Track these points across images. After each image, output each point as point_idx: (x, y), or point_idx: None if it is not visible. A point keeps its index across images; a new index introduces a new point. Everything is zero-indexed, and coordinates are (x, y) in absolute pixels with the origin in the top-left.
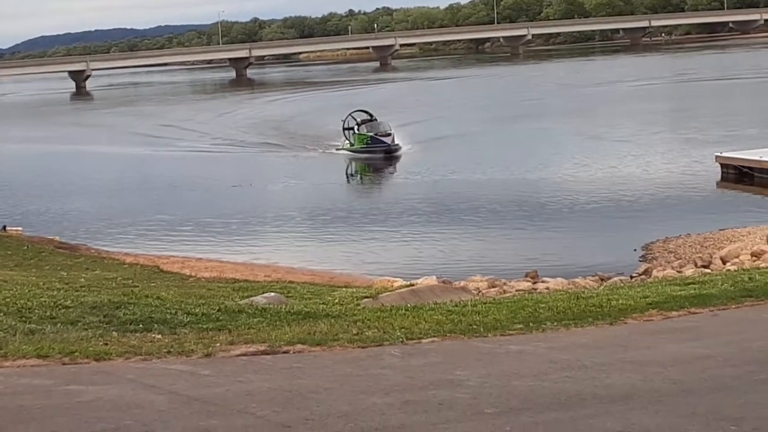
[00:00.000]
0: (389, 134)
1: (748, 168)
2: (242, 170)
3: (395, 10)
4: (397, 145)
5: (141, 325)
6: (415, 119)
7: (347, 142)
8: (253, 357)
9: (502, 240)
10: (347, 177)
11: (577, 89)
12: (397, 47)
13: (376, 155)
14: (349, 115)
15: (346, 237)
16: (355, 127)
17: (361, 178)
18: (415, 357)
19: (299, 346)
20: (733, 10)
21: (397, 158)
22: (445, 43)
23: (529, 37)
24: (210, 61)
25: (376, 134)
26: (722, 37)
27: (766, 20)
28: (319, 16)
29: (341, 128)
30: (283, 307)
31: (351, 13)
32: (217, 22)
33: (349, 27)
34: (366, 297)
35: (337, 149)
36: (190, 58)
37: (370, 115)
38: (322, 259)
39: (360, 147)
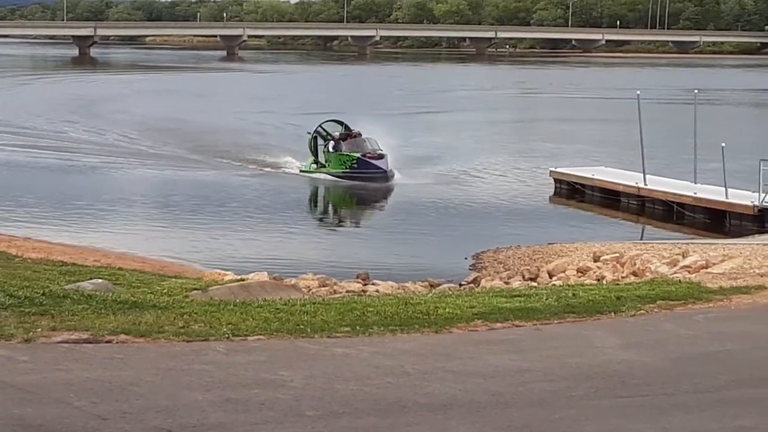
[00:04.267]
0: (383, 156)
1: (580, 185)
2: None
3: (245, 1)
4: (392, 171)
5: None
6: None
7: (313, 162)
8: (74, 345)
9: (336, 239)
10: (314, 209)
11: (422, 95)
12: (245, 38)
13: (367, 183)
14: (319, 126)
15: (181, 226)
16: (330, 144)
17: (334, 209)
18: (240, 354)
19: (123, 336)
20: (577, 28)
21: (392, 189)
22: (293, 37)
23: (377, 38)
24: (53, 37)
25: (364, 155)
26: (564, 54)
27: (608, 40)
28: (169, 0)
29: (308, 143)
30: (110, 294)
31: None
32: None
33: (198, 14)
34: (195, 289)
35: (300, 171)
36: (32, 32)
37: (348, 128)
38: (154, 246)
39: (341, 171)
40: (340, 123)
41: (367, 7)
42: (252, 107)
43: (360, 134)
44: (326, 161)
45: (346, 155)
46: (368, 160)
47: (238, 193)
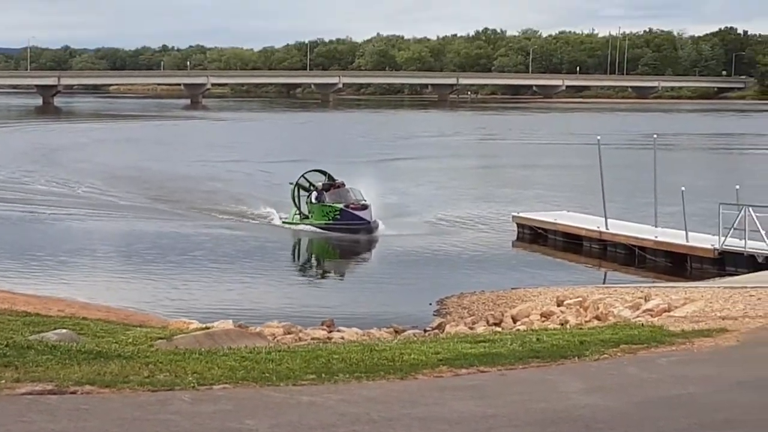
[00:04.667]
0: (366, 206)
1: (543, 229)
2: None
3: (209, 49)
4: (376, 221)
5: None
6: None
7: (296, 213)
8: (39, 396)
9: (300, 287)
10: (297, 259)
11: (385, 141)
12: (208, 86)
13: (350, 235)
14: (302, 176)
15: (145, 275)
16: (313, 194)
17: (302, 258)
18: (206, 403)
19: (88, 387)
20: (538, 74)
21: (376, 240)
22: (257, 85)
23: (340, 85)
24: (17, 87)
25: (348, 206)
26: (525, 99)
27: (568, 86)
28: (133, 49)
29: (290, 193)
30: (75, 344)
31: (164, 48)
32: (26, 47)
33: (162, 62)
34: (160, 338)
35: (283, 222)
36: None
37: (331, 178)
38: (119, 295)
39: (324, 222)
40: (324, 173)
41: (330, 54)
42: (215, 155)
43: (343, 184)
44: (309, 212)
45: (329, 206)
46: (351, 211)
47: (202, 242)
